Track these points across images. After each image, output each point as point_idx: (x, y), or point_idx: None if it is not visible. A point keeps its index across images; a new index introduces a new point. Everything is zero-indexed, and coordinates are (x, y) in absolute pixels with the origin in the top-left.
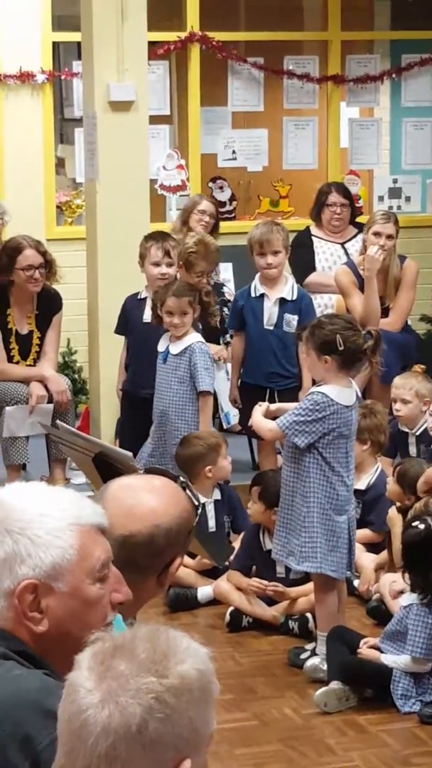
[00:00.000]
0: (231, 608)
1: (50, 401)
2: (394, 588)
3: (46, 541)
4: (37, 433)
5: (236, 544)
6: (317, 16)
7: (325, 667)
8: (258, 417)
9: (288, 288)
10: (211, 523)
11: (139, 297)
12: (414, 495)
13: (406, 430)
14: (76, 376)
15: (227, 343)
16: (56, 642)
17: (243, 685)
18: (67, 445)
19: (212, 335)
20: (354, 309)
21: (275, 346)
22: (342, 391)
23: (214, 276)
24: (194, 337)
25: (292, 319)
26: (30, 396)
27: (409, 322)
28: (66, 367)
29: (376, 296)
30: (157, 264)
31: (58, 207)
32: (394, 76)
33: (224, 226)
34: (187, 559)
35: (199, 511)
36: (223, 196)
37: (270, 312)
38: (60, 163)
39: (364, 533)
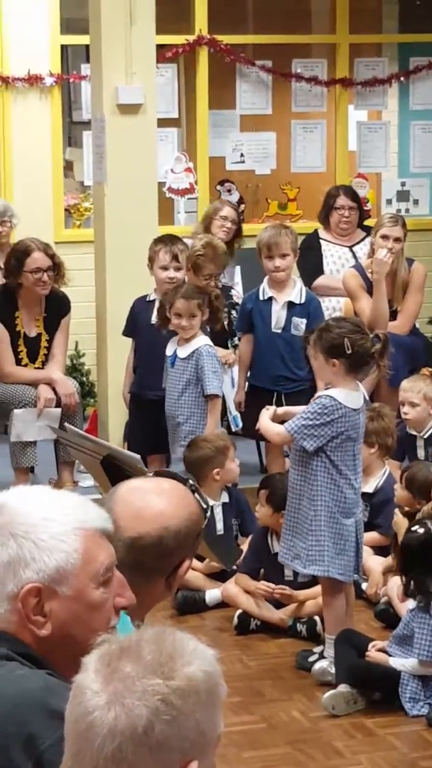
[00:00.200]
0: (239, 611)
1: (58, 404)
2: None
3: (50, 545)
4: (45, 439)
5: (244, 547)
6: (325, 19)
7: (333, 670)
8: (266, 421)
9: (296, 291)
10: (219, 526)
11: (148, 299)
12: (424, 499)
13: (414, 433)
14: (84, 378)
15: (235, 346)
16: (60, 645)
17: (251, 688)
18: (75, 447)
19: (220, 338)
20: (362, 312)
21: (283, 349)
22: (350, 395)
23: (222, 279)
24: (202, 341)
25: (300, 323)
26: (38, 399)
27: (417, 325)
28: (74, 369)
29: (384, 299)
30: (165, 268)
31: (66, 210)
32: (402, 79)
33: None
34: (195, 562)
35: (208, 514)
36: (231, 199)
37: (278, 315)
38: (68, 166)
39: (371, 536)
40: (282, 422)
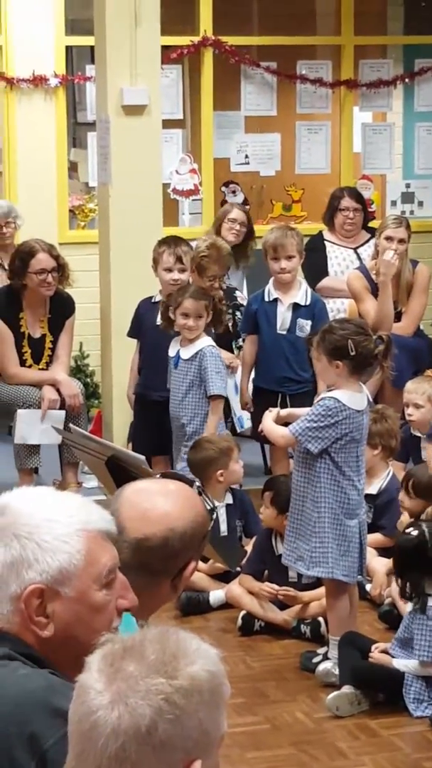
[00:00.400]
0: (243, 612)
1: (62, 405)
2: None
3: (53, 546)
4: (48, 443)
5: (248, 548)
6: (330, 20)
7: (337, 671)
8: (269, 423)
9: (302, 293)
10: (223, 527)
11: (153, 300)
12: (426, 500)
13: (419, 434)
14: (89, 380)
15: (239, 348)
16: (62, 646)
17: (255, 689)
18: (79, 448)
19: (225, 340)
20: (366, 314)
21: (288, 350)
22: (353, 396)
23: (227, 280)
24: (205, 341)
25: (305, 324)
26: (42, 400)
27: (422, 327)
28: (78, 371)
29: (390, 301)
30: (169, 270)
31: (70, 211)
32: (407, 80)
33: None
34: (199, 563)
35: (214, 516)
36: (236, 200)
37: (283, 317)
38: (73, 167)
39: (375, 537)
40: (285, 424)
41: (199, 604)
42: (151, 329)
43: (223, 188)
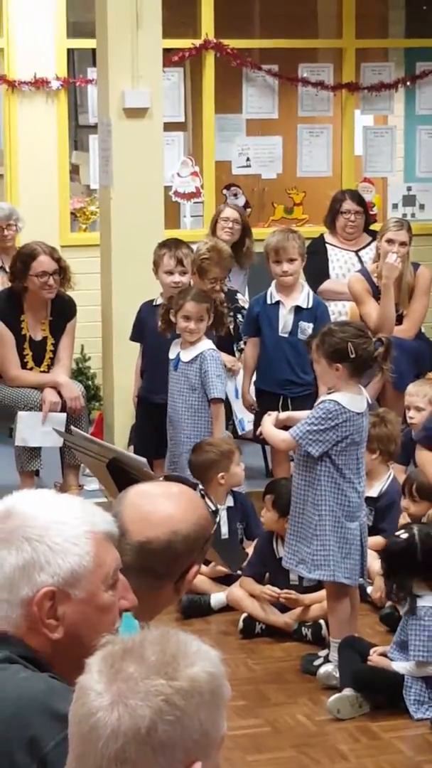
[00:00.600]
0: (244, 615)
1: (64, 408)
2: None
3: (64, 548)
4: (50, 446)
5: (249, 551)
6: (332, 23)
7: (338, 674)
8: (269, 427)
9: (303, 296)
10: (224, 530)
11: (154, 303)
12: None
13: None
14: (90, 382)
15: (241, 350)
16: (68, 648)
17: (256, 692)
18: (81, 450)
19: (226, 343)
20: (368, 316)
21: (289, 353)
22: (353, 398)
23: (229, 283)
24: (206, 344)
25: (307, 327)
26: (43, 402)
27: (423, 330)
28: (80, 373)
29: (392, 304)
30: (170, 272)
31: (72, 213)
32: (408, 83)
33: None
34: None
35: (217, 518)
36: (237, 203)
37: (285, 319)
38: (74, 170)
39: (376, 540)
40: (284, 428)
41: (201, 606)
42: (153, 332)
43: (225, 191)
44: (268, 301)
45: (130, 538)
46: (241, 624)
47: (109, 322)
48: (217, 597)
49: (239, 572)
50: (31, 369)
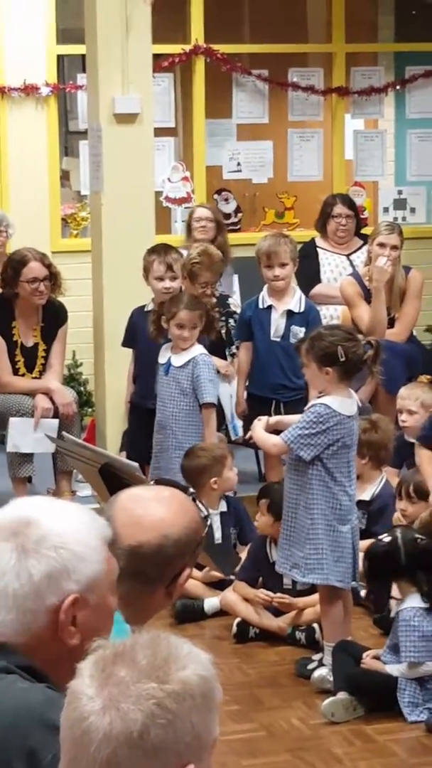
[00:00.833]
0: (238, 619)
1: (56, 414)
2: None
3: (85, 555)
4: (42, 452)
5: (243, 556)
6: (321, 28)
7: (332, 677)
8: (260, 432)
9: (295, 300)
10: (217, 535)
11: (146, 309)
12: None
13: (412, 440)
14: (82, 388)
15: (233, 355)
16: (78, 654)
17: (250, 696)
18: (73, 456)
19: (218, 348)
20: (360, 320)
21: (282, 357)
22: (344, 402)
23: (219, 287)
24: (198, 350)
25: (299, 331)
26: (35, 408)
27: (415, 333)
28: (71, 379)
29: (383, 307)
30: (160, 278)
31: (63, 219)
32: (398, 87)
33: (229, 238)
34: (194, 571)
35: (208, 523)
36: (228, 208)
37: (277, 324)
38: (65, 176)
39: (369, 544)
40: (275, 432)
41: (194, 611)
42: (145, 338)
43: (216, 196)
44: (260, 306)
45: (122, 542)
46: (234, 628)
47: (101, 327)
48: (211, 602)
49: (232, 577)
50: (22, 375)
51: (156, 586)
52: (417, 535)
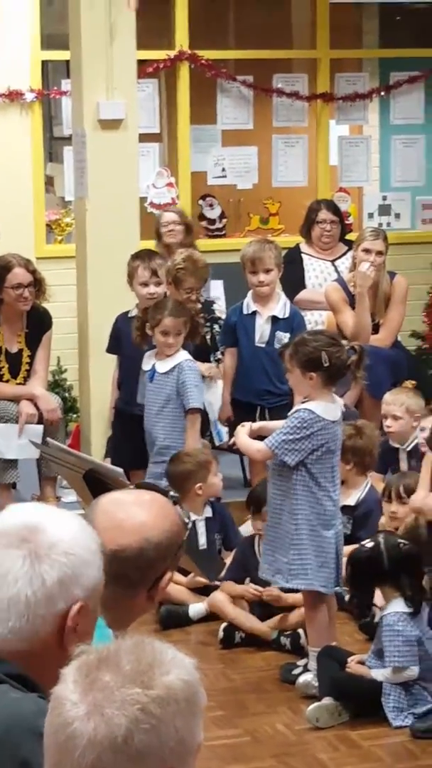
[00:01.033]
0: (224, 624)
1: (40, 420)
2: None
3: (90, 561)
4: (26, 458)
5: (228, 561)
6: (306, 34)
7: (317, 683)
8: (244, 438)
9: (280, 306)
10: (202, 541)
11: (130, 315)
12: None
13: (397, 445)
14: (66, 394)
15: (218, 360)
16: (63, 660)
17: (235, 702)
18: (58, 462)
19: (203, 353)
20: (345, 325)
21: (266, 363)
22: (328, 407)
23: (204, 293)
24: (182, 356)
25: (284, 337)
26: (19, 414)
27: (400, 338)
28: (56, 385)
29: (367, 312)
30: (144, 284)
31: (47, 225)
32: (382, 93)
33: (214, 243)
34: (179, 576)
35: (189, 526)
36: (213, 213)
37: (262, 329)
38: (49, 182)
39: (352, 549)
40: (259, 438)
41: (179, 617)
42: (129, 344)
43: (200, 202)
44: (245, 311)
45: (103, 546)
46: (221, 633)
47: (86, 333)
48: (196, 607)
49: (217, 582)
50: (7, 381)
51: (138, 590)
52: (400, 540)
